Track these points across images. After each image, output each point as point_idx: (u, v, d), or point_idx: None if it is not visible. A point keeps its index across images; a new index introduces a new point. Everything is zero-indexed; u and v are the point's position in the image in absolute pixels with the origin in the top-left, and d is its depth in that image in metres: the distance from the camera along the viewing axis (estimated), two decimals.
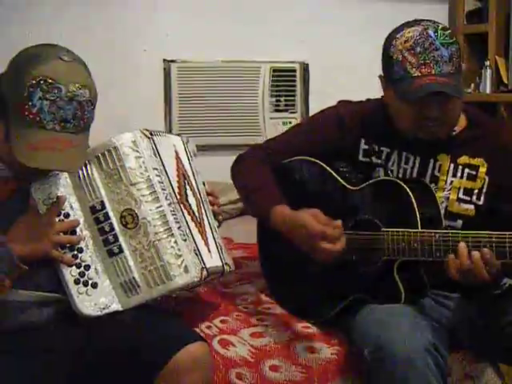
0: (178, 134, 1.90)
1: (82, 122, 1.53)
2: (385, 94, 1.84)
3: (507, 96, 3.25)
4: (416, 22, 1.73)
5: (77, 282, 1.60)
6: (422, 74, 1.67)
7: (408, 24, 1.74)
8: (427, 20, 1.74)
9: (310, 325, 1.89)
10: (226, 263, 1.82)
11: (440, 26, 1.72)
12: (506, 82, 3.31)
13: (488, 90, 3.34)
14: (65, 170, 1.60)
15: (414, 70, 1.67)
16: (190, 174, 1.83)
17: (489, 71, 3.33)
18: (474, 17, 3.51)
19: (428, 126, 1.73)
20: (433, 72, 1.67)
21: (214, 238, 1.83)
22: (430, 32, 1.69)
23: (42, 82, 1.48)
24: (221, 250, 1.83)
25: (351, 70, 3.51)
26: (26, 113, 1.48)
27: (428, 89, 1.65)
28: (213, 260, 1.76)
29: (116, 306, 1.61)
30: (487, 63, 3.33)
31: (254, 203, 1.89)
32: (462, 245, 1.63)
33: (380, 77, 1.83)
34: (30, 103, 1.48)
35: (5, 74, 1.55)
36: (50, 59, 1.51)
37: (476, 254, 1.60)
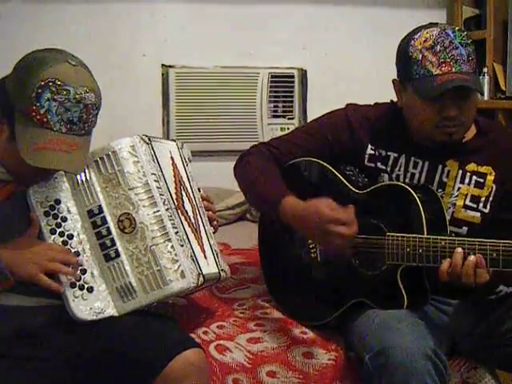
0: (174, 140, 1.90)
1: (86, 125, 1.56)
2: (401, 97, 1.83)
3: (505, 103, 3.25)
4: (432, 24, 1.75)
5: (72, 285, 1.60)
6: (443, 72, 1.68)
7: (425, 26, 1.76)
8: (443, 23, 1.77)
9: (307, 330, 1.88)
10: (222, 269, 1.82)
11: (456, 28, 1.75)
12: (503, 88, 3.31)
13: (486, 97, 3.34)
14: (70, 171, 1.60)
15: (434, 68, 1.69)
16: (185, 179, 1.83)
17: (486, 78, 3.32)
18: (471, 24, 3.51)
19: (446, 126, 1.73)
20: (453, 70, 1.68)
21: (209, 245, 1.83)
22: (449, 32, 1.71)
23: (51, 83, 1.50)
24: (217, 256, 1.83)
25: (349, 76, 3.50)
26: (34, 113, 1.50)
27: (451, 84, 1.66)
28: (209, 266, 1.76)
29: (111, 311, 1.61)
30: (485, 70, 3.32)
31: (262, 196, 1.85)
32: (459, 250, 1.62)
33: (394, 81, 1.83)
34: (38, 104, 1.50)
35: (11, 77, 1.56)
36: (57, 62, 1.53)
37: (470, 260, 1.60)
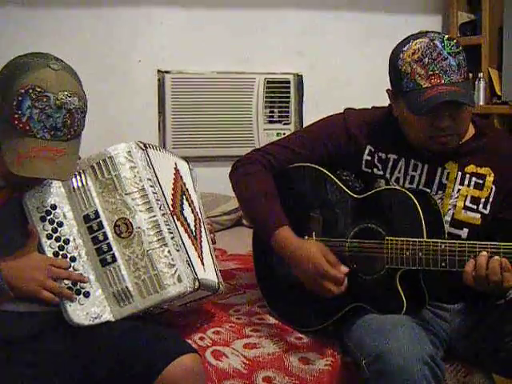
0: (187, 160, 1.94)
1: (72, 130, 1.54)
2: (395, 108, 1.82)
3: (500, 108, 3.26)
4: (422, 34, 1.73)
5: (69, 290, 1.59)
6: (432, 85, 1.67)
7: (414, 36, 1.74)
8: (432, 31, 1.75)
9: (303, 336, 1.88)
10: (220, 282, 1.83)
11: (446, 36, 1.73)
12: (499, 93, 3.32)
13: (481, 102, 3.35)
14: (56, 179, 1.59)
15: (423, 81, 1.67)
16: (192, 193, 1.85)
17: (482, 83, 3.34)
18: (467, 29, 3.53)
19: (440, 136, 1.73)
20: (442, 82, 1.67)
21: (211, 258, 1.84)
22: (437, 42, 1.69)
23: (30, 90, 1.48)
24: (216, 269, 1.84)
25: (345, 82, 3.52)
26: (16, 122, 1.48)
27: (438, 99, 1.65)
28: (206, 273, 1.77)
29: (108, 316, 1.61)
30: (480, 75, 3.34)
31: (257, 217, 1.87)
32: (484, 253, 1.61)
33: (388, 91, 1.83)
34: (20, 112, 1.48)
35: None
36: (38, 68, 1.51)
37: (495, 260, 1.59)
